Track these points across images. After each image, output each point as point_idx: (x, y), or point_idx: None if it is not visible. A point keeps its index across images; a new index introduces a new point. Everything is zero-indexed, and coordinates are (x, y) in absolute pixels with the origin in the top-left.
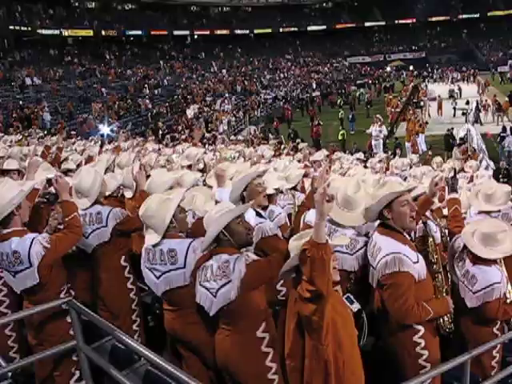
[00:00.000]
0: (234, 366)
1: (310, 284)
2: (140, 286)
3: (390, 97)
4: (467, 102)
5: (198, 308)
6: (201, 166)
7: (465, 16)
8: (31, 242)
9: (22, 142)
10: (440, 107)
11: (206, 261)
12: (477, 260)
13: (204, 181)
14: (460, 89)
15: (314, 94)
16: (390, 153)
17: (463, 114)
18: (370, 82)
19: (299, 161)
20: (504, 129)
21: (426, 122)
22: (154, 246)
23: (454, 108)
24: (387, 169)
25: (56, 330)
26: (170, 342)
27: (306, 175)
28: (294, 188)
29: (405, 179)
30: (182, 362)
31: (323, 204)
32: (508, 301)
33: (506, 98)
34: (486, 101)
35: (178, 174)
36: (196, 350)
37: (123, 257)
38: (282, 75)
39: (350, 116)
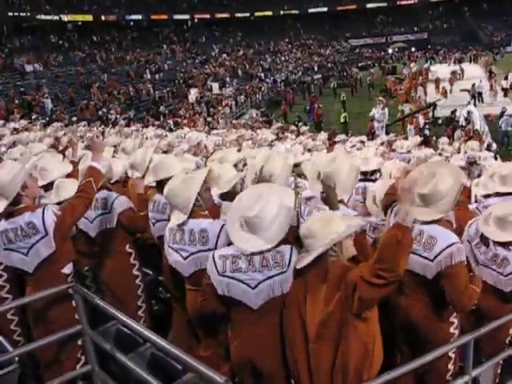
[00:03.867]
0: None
1: (391, 267)
2: (145, 271)
3: (392, 79)
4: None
5: None
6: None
7: None
8: (43, 212)
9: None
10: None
11: None
12: (504, 243)
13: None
14: (462, 70)
15: (315, 77)
16: (392, 135)
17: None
18: (372, 64)
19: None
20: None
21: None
22: (181, 225)
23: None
24: (393, 150)
25: (61, 315)
26: (188, 322)
27: None
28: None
29: (408, 161)
30: (201, 344)
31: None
32: None
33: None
34: (490, 81)
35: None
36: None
37: (128, 243)
38: (283, 58)
39: (308, 107)
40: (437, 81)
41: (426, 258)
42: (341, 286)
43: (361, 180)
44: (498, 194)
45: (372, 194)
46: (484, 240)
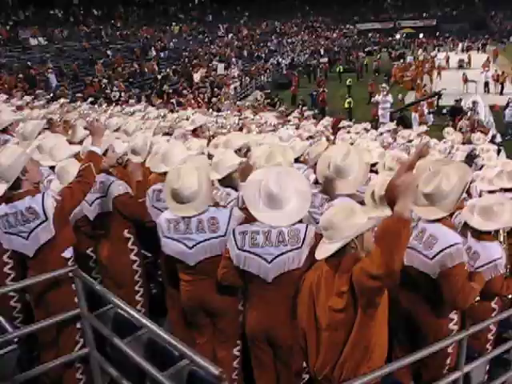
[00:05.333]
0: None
1: (386, 259)
2: (144, 253)
3: (398, 65)
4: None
5: None
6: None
7: None
8: (43, 196)
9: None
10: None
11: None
12: (479, 235)
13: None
14: (470, 58)
15: (321, 61)
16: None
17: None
18: (379, 49)
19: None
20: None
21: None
22: (187, 216)
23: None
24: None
25: (61, 298)
26: (184, 311)
27: None
28: (297, 159)
29: (409, 152)
30: (195, 330)
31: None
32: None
33: None
34: (496, 71)
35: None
36: (218, 314)
37: (127, 228)
38: (289, 40)
39: (314, 91)
40: (439, 68)
41: (425, 256)
42: (346, 281)
43: None
44: (505, 190)
45: (371, 187)
46: (462, 231)
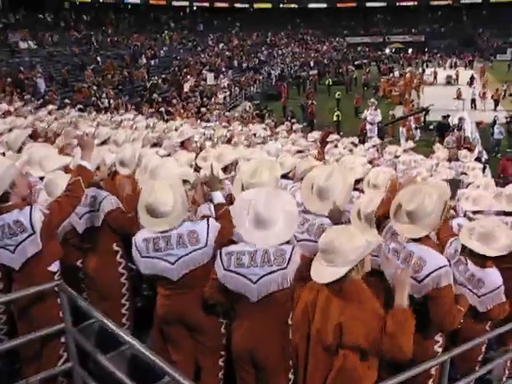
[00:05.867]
0: (264, 350)
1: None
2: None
3: (386, 79)
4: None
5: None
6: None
7: (467, 1)
8: (31, 210)
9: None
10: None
11: None
12: (483, 262)
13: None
14: (457, 75)
15: (310, 73)
16: (387, 140)
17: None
18: (369, 62)
19: (293, 143)
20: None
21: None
22: (165, 232)
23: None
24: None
25: (46, 312)
26: (159, 326)
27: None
28: (286, 175)
29: (395, 168)
30: (170, 345)
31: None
32: None
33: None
34: (484, 88)
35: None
36: (198, 328)
37: (115, 242)
38: (279, 52)
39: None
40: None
41: (414, 279)
42: (359, 306)
43: None
44: (505, 213)
45: (357, 206)
46: (461, 259)
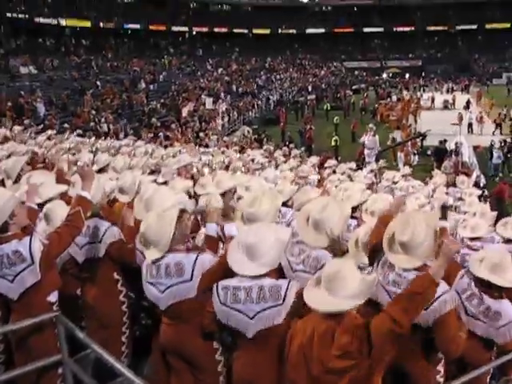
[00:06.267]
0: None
1: (404, 315)
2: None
3: (384, 104)
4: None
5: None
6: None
7: (462, 27)
8: (30, 240)
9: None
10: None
11: None
12: (499, 294)
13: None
14: (454, 99)
15: (308, 97)
16: (381, 162)
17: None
18: (366, 87)
19: (291, 169)
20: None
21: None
22: (157, 260)
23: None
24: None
25: (43, 343)
26: (162, 354)
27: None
28: (286, 203)
29: (393, 193)
30: (173, 374)
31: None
32: None
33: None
34: (480, 113)
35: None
36: (195, 363)
37: (116, 271)
38: (278, 76)
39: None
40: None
41: None
42: (353, 339)
43: None
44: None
45: (355, 235)
46: (474, 293)
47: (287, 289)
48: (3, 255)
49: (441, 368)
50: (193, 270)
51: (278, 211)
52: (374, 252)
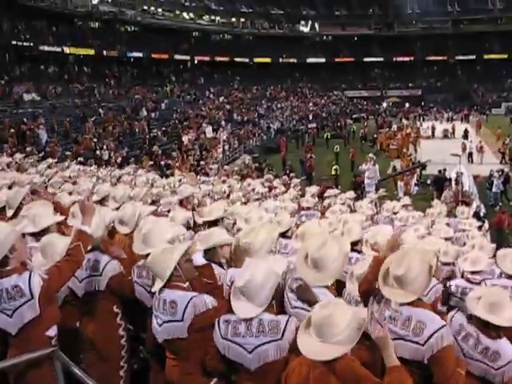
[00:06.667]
0: None
1: None
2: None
3: (384, 132)
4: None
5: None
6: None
7: (461, 57)
8: (30, 275)
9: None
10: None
11: None
12: (495, 333)
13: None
14: (454, 128)
15: (309, 126)
16: (381, 191)
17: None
18: (367, 116)
19: (291, 199)
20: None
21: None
22: (159, 293)
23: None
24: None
25: (42, 377)
26: None
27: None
28: (285, 234)
29: (393, 224)
30: None
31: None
32: None
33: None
34: (480, 142)
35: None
36: None
37: (115, 304)
38: (279, 105)
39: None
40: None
41: (416, 342)
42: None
43: None
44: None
45: (350, 271)
46: (469, 334)
47: (286, 324)
48: (2, 290)
49: None
50: (184, 311)
51: (273, 242)
52: (367, 293)
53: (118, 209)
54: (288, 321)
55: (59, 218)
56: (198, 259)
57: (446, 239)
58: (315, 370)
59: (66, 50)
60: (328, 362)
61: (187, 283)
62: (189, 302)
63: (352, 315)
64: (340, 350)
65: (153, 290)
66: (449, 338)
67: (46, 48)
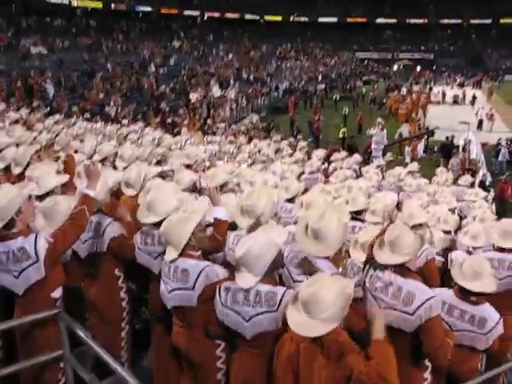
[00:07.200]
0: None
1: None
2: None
3: (394, 96)
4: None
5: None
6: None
7: (476, 21)
8: (36, 237)
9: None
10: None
11: None
12: (479, 300)
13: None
14: (464, 94)
15: (318, 87)
16: (388, 155)
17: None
18: (377, 78)
19: (296, 162)
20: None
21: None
22: (171, 261)
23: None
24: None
25: (46, 337)
26: (174, 353)
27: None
28: (291, 199)
29: (399, 190)
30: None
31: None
32: None
33: None
34: (491, 109)
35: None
36: (196, 366)
37: (117, 267)
38: (288, 64)
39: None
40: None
41: (405, 312)
42: (341, 365)
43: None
44: (499, 249)
45: (354, 238)
46: (454, 303)
47: (282, 296)
48: (9, 251)
49: (428, 375)
50: (196, 280)
51: (273, 208)
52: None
53: (126, 169)
54: (284, 293)
55: (62, 179)
56: (219, 214)
57: (450, 210)
58: (303, 342)
59: (74, 2)
60: (315, 337)
61: (199, 252)
62: (201, 272)
63: (339, 290)
64: (327, 327)
65: (165, 259)
66: (438, 309)
67: (53, 0)
